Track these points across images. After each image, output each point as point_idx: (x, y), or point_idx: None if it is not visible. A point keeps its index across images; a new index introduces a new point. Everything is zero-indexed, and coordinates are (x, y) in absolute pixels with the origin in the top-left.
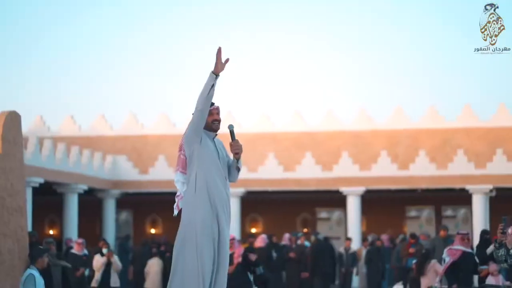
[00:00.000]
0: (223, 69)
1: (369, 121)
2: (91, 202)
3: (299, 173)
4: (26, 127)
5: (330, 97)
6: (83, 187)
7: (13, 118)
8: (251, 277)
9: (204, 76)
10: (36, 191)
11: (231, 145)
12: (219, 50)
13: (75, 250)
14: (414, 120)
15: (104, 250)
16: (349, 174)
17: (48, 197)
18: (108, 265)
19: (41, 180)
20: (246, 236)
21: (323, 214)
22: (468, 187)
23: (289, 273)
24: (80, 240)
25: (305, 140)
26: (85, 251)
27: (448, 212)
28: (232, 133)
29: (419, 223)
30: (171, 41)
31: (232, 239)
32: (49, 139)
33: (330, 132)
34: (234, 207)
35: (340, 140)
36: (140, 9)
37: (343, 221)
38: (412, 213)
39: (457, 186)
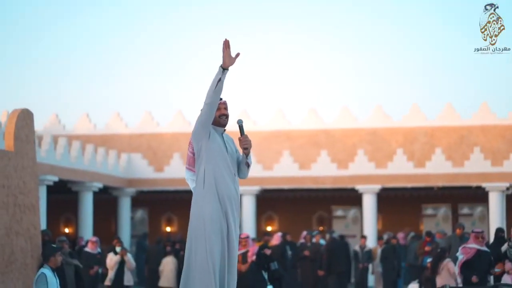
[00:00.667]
0: (232, 63)
1: (385, 119)
2: (106, 200)
3: (315, 171)
4: (42, 125)
5: (346, 94)
6: (98, 185)
7: (26, 116)
8: (266, 275)
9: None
10: (51, 189)
11: (240, 140)
12: (226, 43)
13: (89, 248)
14: (431, 118)
15: (118, 249)
16: (365, 172)
17: (64, 196)
18: (121, 263)
19: (56, 178)
20: (262, 234)
21: (339, 212)
22: (484, 185)
23: (304, 271)
24: (94, 239)
25: (321, 137)
26: (99, 249)
27: (465, 210)
28: (241, 128)
29: (436, 221)
30: (186, 39)
31: (246, 238)
32: (63, 137)
33: (345, 129)
34: (250, 205)
35: (356, 137)
36: (155, 7)
37: (359, 219)
38: (429, 211)
39: (474, 184)
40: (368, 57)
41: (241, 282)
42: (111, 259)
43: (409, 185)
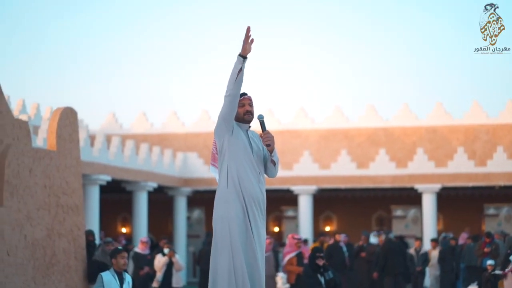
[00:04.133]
0: (250, 50)
1: (445, 116)
2: (162, 199)
3: (373, 170)
4: (99, 125)
5: (406, 91)
6: (153, 185)
7: (69, 115)
8: (322, 279)
9: (275, 71)
10: (106, 189)
11: (261, 136)
12: (248, 30)
13: (139, 249)
14: (492, 115)
15: (166, 250)
16: (424, 171)
17: (120, 195)
18: (169, 265)
19: (109, 178)
20: (318, 235)
21: (398, 212)
22: None
23: (360, 272)
24: (145, 239)
25: (379, 136)
26: (148, 251)
27: None
28: (262, 123)
29: (498, 221)
30: (238, 35)
31: (299, 239)
32: (117, 136)
33: (405, 127)
34: (307, 204)
35: (416, 135)
36: (210, 5)
37: (419, 219)
38: (491, 211)
39: None
40: (427, 54)
41: (298, 284)
42: (159, 261)
43: (470, 184)
